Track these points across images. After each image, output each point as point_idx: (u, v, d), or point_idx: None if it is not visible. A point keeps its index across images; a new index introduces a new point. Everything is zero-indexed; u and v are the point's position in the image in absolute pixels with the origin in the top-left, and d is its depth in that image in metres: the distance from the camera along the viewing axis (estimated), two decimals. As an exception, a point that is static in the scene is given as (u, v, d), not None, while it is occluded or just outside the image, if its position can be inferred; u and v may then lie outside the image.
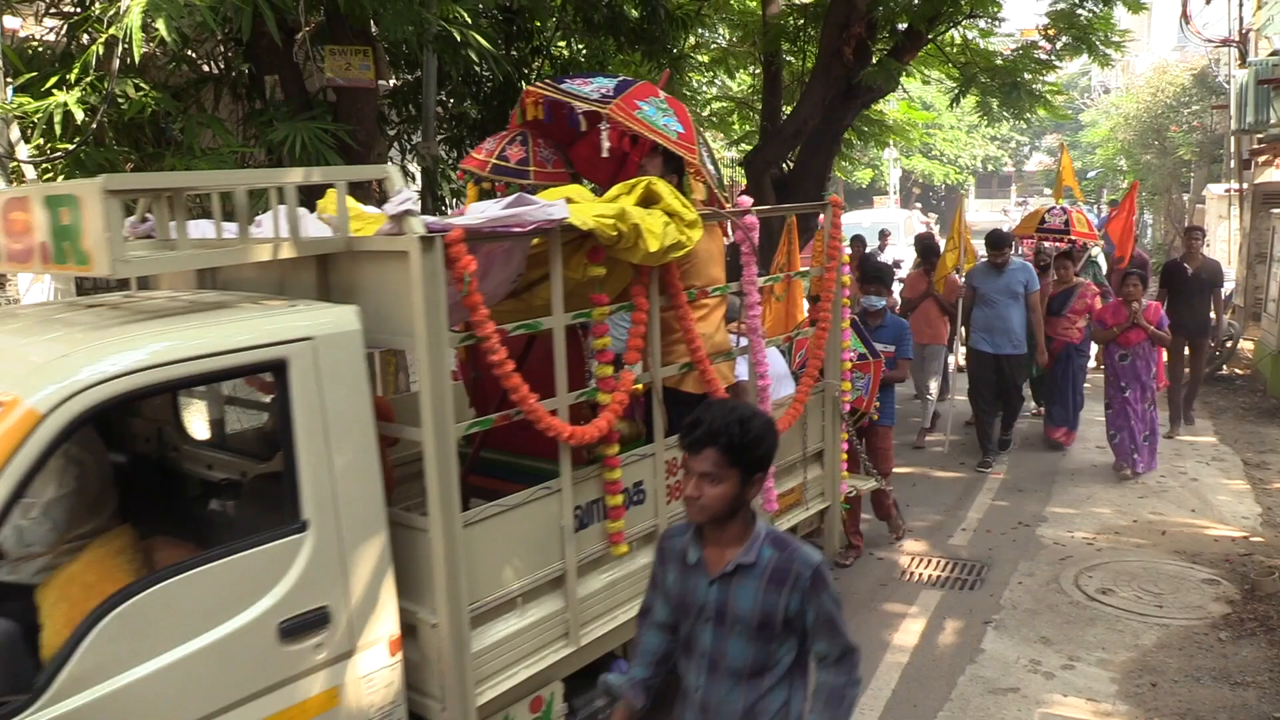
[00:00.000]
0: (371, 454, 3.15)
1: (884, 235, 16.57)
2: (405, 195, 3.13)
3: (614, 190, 3.97)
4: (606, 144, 4.44)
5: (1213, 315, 10.27)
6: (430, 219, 3.19)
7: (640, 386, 4.11)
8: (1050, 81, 11.84)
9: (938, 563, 6.65)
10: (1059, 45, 10.59)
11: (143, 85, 5.55)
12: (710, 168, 4.69)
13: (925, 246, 10.41)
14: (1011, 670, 5.14)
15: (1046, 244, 10.33)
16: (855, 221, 23.83)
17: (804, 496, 5.32)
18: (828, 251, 5.27)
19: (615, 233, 3.59)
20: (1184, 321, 9.41)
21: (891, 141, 16.26)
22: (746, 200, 4.55)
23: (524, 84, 9.58)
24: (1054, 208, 10.62)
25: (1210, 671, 5.03)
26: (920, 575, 6.47)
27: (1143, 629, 5.57)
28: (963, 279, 9.26)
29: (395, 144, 8.87)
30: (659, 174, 4.30)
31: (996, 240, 8.83)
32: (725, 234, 4.74)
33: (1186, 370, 9.94)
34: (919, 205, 41.70)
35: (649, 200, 3.89)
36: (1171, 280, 9.75)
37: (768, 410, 4.52)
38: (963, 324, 9.32)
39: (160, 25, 4.62)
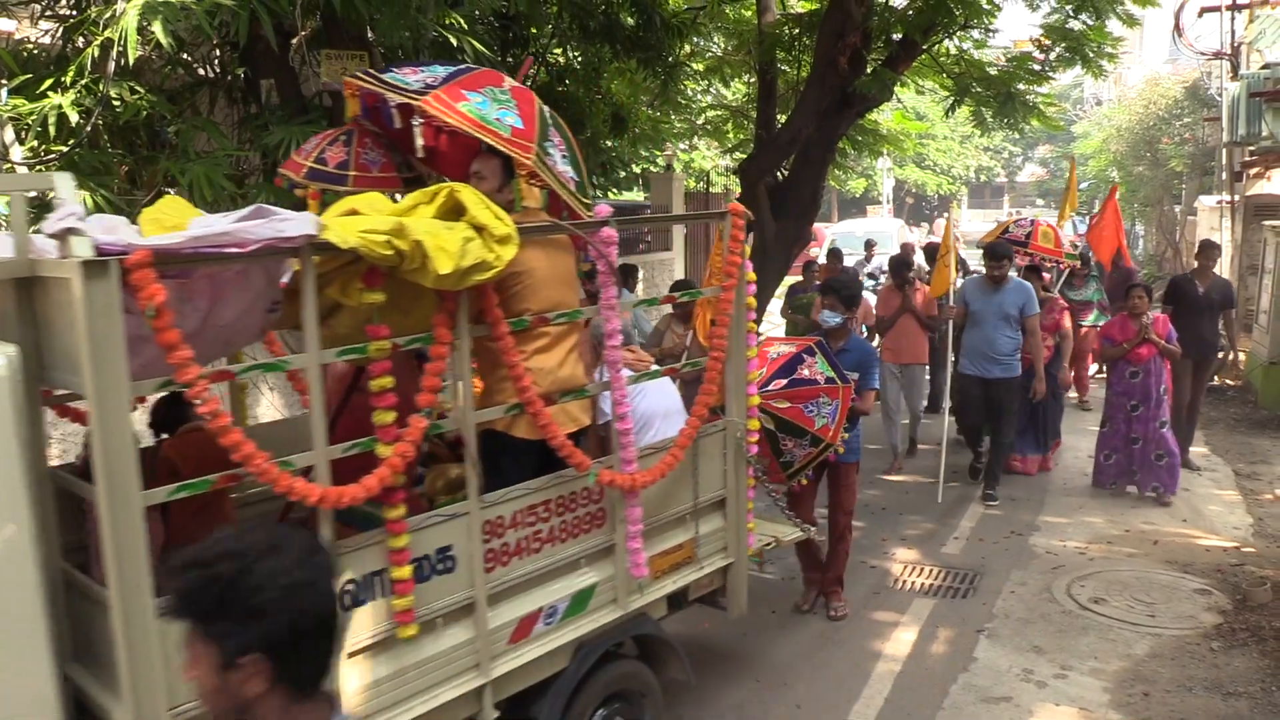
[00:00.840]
0: (19, 509, 2.62)
1: (870, 245, 16.40)
2: (69, 210, 2.58)
3: (411, 198, 3.38)
4: (420, 141, 3.90)
5: (1223, 336, 9.58)
6: (108, 238, 2.63)
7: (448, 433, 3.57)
8: (1043, 93, 11.89)
9: (930, 571, 6.65)
10: (1052, 56, 10.64)
11: (138, 88, 5.54)
12: (567, 170, 4.02)
13: (899, 262, 9.64)
14: (1004, 679, 5.14)
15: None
16: (848, 230, 23.99)
17: (696, 554, 4.46)
18: (724, 268, 4.41)
19: (390, 251, 2.97)
20: (1190, 342, 8.52)
21: (885, 151, 16.31)
22: (604, 209, 3.91)
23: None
24: (1021, 219, 10.09)
25: (1202, 681, 5.04)
26: (913, 584, 6.47)
27: (1135, 638, 5.58)
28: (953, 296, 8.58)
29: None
30: (497, 178, 3.84)
31: (995, 251, 8.11)
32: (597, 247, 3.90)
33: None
34: (911, 221, 41.79)
35: (457, 211, 3.28)
36: (1180, 297, 8.97)
37: (630, 455, 3.87)
38: (954, 345, 8.72)
39: (156, 28, 4.61)
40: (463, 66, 4.08)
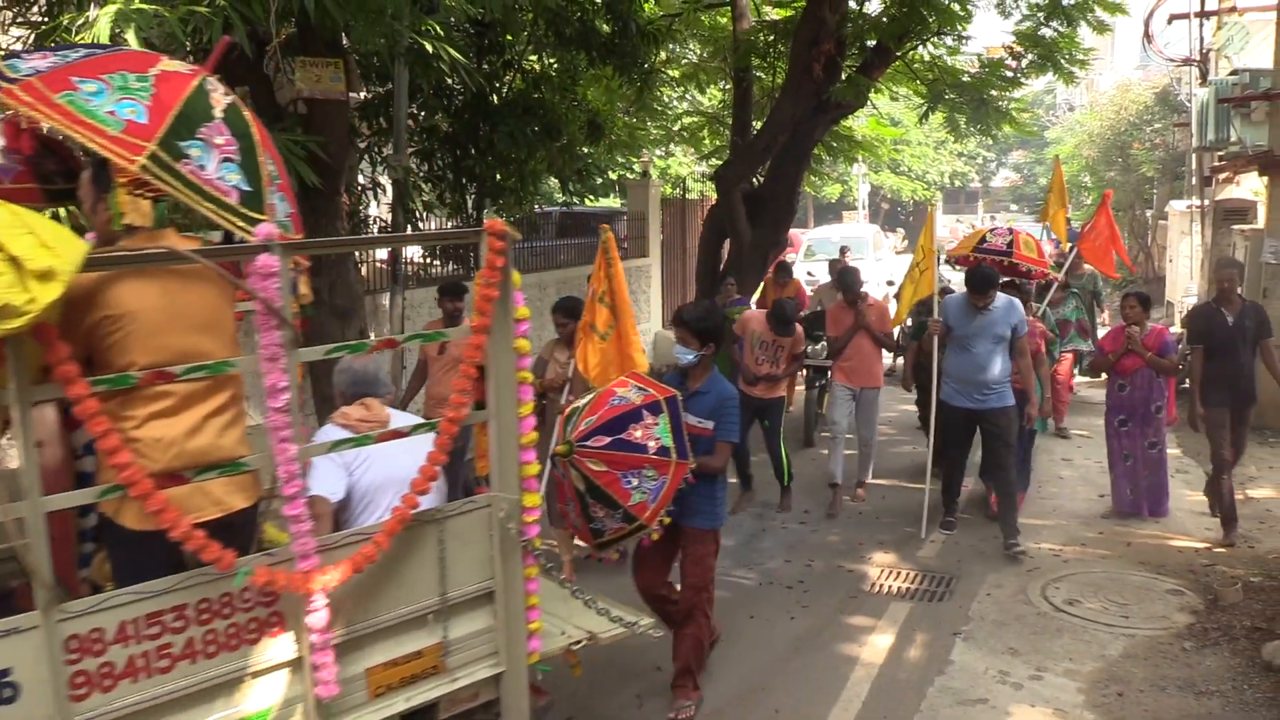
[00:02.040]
0: None
1: (843, 252, 15.52)
2: None
3: None
4: (0, 142, 3.26)
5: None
6: None
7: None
8: (1016, 98, 12.04)
9: (906, 575, 6.69)
10: (1025, 63, 10.79)
11: (111, 96, 5.50)
12: (225, 176, 3.15)
13: (846, 277, 8.54)
14: (980, 681, 5.18)
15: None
16: (824, 236, 24.09)
17: (446, 663, 3.44)
18: (476, 304, 3.32)
19: None
20: (1224, 386, 7.07)
21: (860, 157, 16.42)
22: (267, 229, 2.88)
23: (495, 98, 9.66)
24: (998, 227, 9.27)
25: (1175, 681, 5.10)
26: (889, 588, 6.50)
27: (1109, 639, 5.63)
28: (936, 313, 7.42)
29: (366, 156, 8.86)
30: (89, 188, 3.12)
31: (982, 282, 6.98)
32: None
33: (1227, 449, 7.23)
34: (887, 227, 42.03)
35: None
36: (1209, 333, 7.18)
37: (304, 547, 2.94)
38: (921, 369, 7.83)
39: (129, 36, 4.59)
40: (112, 48, 3.42)
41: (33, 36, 5.83)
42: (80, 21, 4.86)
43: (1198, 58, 16.72)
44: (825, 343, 8.93)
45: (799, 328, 7.87)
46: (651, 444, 4.43)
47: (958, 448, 7.36)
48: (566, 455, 4.38)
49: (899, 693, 5.08)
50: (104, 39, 4.56)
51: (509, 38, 9.76)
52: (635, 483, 4.41)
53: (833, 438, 8.23)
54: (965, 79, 10.84)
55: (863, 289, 8.39)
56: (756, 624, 5.94)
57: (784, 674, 5.33)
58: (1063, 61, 10.46)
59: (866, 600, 6.30)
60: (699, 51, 13.34)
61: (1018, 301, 7.22)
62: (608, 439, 4.39)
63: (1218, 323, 7.16)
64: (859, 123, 15.32)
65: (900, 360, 10.66)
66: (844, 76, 10.00)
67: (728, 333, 7.02)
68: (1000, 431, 7.01)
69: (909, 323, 9.46)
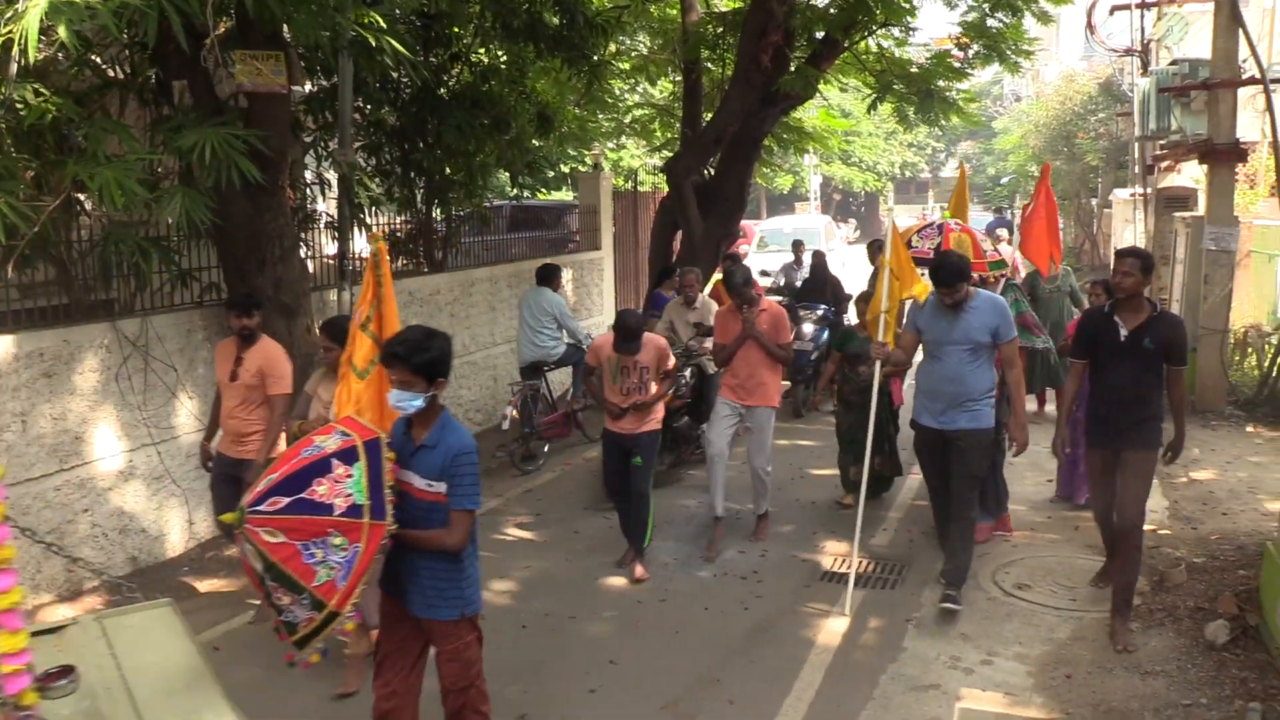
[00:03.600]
0: None
1: (798, 247, 13.17)
2: None
3: None
4: None
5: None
6: None
7: None
8: (964, 89, 12.16)
9: (859, 563, 6.72)
10: (971, 54, 10.89)
11: (43, 90, 5.37)
12: None
13: (733, 276, 7.00)
14: (932, 667, 5.23)
15: None
16: (776, 227, 24.23)
17: None
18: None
19: None
20: (1110, 420, 5.54)
21: (811, 148, 16.50)
22: None
23: (443, 91, 9.56)
24: (929, 225, 7.77)
25: (1121, 662, 5.18)
26: (842, 576, 6.54)
27: (1058, 622, 5.71)
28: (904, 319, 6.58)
29: (311, 151, 8.73)
30: None
31: (943, 273, 5.76)
32: None
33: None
34: (839, 217, 42.31)
35: None
36: (1094, 346, 5.60)
37: None
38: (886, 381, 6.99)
39: (60, 29, 4.47)
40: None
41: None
42: (8, 14, 4.73)
43: (1139, 48, 17.02)
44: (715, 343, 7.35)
45: (659, 340, 6.59)
46: (339, 501, 3.36)
47: (936, 479, 6.15)
48: (237, 526, 3.35)
49: (852, 680, 5.12)
50: (32, 32, 4.44)
51: (456, 30, 9.67)
52: (320, 555, 3.33)
53: (709, 461, 7.08)
54: (913, 70, 10.92)
55: (753, 290, 6.89)
56: (710, 615, 5.94)
57: (738, 665, 5.34)
58: (1008, 52, 10.59)
59: (820, 589, 6.34)
60: (648, 43, 13.32)
61: (1001, 301, 6.03)
62: (286, 500, 3.34)
63: (1107, 334, 5.46)
64: (809, 114, 15.38)
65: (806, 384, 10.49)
66: (792, 68, 10.04)
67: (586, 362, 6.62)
68: (967, 459, 5.77)
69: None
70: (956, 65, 10.87)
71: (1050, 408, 10.07)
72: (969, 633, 5.60)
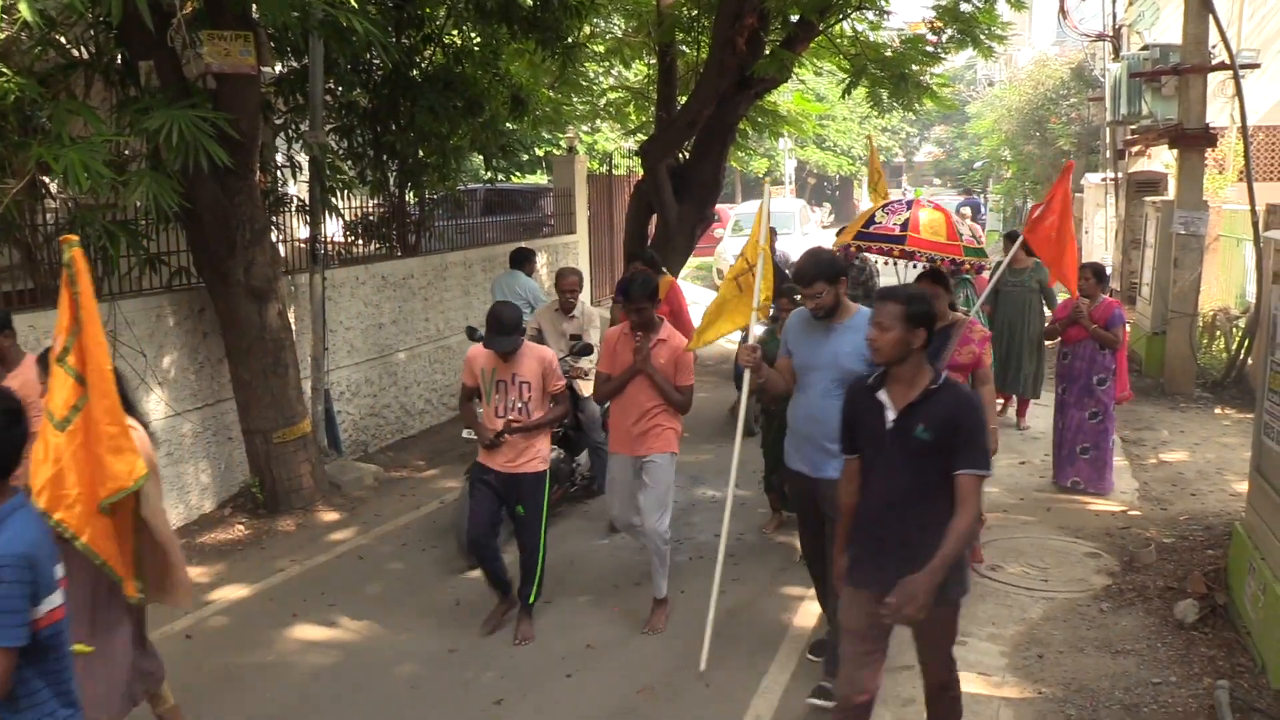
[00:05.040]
0: None
1: (772, 234, 13.30)
2: None
3: None
4: None
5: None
6: None
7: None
8: (938, 73, 12.17)
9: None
10: (945, 38, 10.90)
11: (5, 71, 5.27)
12: None
13: (637, 287, 5.42)
14: (908, 648, 5.24)
15: (872, 256, 6.84)
16: (751, 211, 24.20)
17: None
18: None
19: None
20: (873, 546, 3.71)
21: (786, 132, 16.50)
22: None
23: (416, 73, 9.47)
24: (894, 201, 6.07)
25: (1093, 641, 5.23)
26: (818, 558, 6.56)
27: (1030, 603, 5.76)
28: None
29: (282, 133, 8.63)
30: None
31: (804, 269, 4.45)
32: None
33: None
34: (813, 201, 42.36)
35: None
36: (855, 433, 3.80)
37: None
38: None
39: (22, 8, 4.39)
40: None
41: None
42: (-31, -8, 4.63)
43: (1111, 33, 17.12)
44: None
45: (544, 351, 5.44)
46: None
47: (807, 531, 4.86)
48: None
49: (831, 661, 5.13)
50: (-6, 10, 4.35)
51: (428, 10, 9.58)
52: None
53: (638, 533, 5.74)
54: (887, 54, 10.93)
55: (658, 303, 5.62)
56: (688, 598, 5.95)
57: (717, 646, 5.34)
58: (982, 36, 10.60)
59: (797, 571, 6.34)
60: (623, 25, 13.24)
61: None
62: None
63: (868, 417, 3.64)
64: (784, 98, 15.36)
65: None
66: (767, 51, 10.02)
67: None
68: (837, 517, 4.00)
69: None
70: (930, 49, 10.89)
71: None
72: (943, 614, 5.63)
